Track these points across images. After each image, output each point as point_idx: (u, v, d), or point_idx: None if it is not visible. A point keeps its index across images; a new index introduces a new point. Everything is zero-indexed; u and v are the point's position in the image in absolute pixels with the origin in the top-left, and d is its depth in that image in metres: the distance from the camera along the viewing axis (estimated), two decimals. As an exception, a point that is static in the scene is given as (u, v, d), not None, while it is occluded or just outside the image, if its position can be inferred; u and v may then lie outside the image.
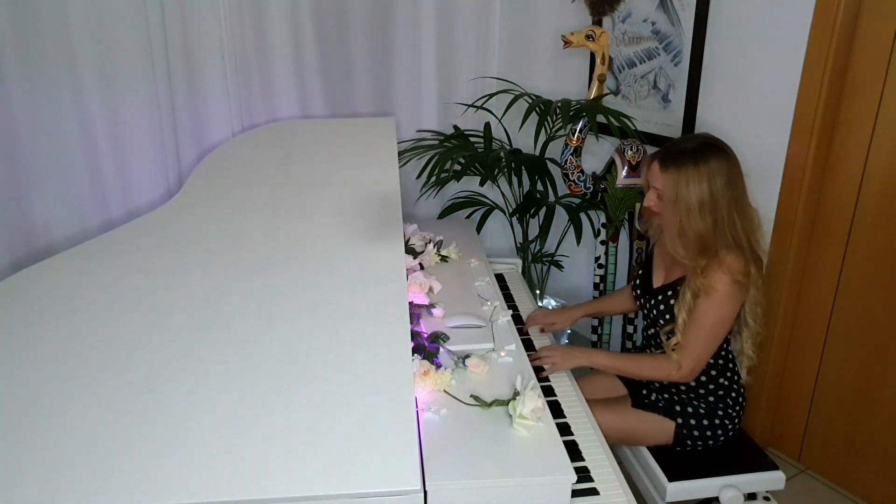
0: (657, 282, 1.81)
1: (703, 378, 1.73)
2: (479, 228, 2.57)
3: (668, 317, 1.72)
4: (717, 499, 1.67)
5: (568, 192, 2.46)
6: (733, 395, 1.75)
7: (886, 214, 1.92)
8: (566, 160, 2.34)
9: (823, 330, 2.15)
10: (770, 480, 1.69)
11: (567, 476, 1.18)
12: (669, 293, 1.73)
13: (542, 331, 1.95)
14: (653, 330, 1.81)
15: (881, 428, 2.04)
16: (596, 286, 2.57)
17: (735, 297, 1.62)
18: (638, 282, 1.88)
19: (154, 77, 2.24)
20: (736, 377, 1.77)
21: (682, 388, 1.75)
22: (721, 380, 1.74)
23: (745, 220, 1.63)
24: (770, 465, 1.71)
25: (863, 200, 1.97)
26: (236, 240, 1.73)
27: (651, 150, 2.39)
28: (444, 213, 2.70)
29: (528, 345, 1.86)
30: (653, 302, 1.78)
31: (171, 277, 1.58)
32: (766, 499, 1.73)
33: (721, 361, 1.74)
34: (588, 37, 2.27)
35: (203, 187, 2.03)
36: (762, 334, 1.74)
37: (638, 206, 2.36)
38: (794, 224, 2.06)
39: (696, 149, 1.61)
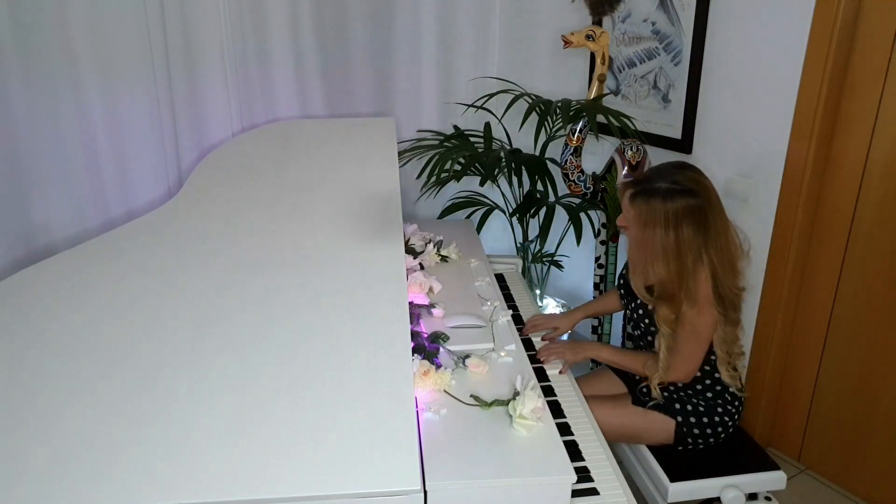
0: None
1: (702, 376, 1.73)
2: (479, 228, 2.57)
3: (647, 319, 1.73)
4: (718, 499, 1.67)
5: (568, 192, 2.46)
6: (732, 390, 1.75)
7: (886, 214, 1.92)
8: (566, 160, 2.34)
9: (823, 330, 2.15)
10: (771, 480, 1.69)
11: (567, 476, 1.18)
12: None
13: (544, 339, 1.94)
14: (638, 331, 1.82)
15: (881, 428, 2.04)
16: (596, 286, 2.57)
17: (708, 323, 1.62)
18: (622, 281, 1.90)
19: (154, 77, 2.24)
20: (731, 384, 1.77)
21: (682, 385, 1.75)
22: (718, 375, 1.74)
23: (720, 259, 1.58)
24: (771, 465, 1.71)
25: (863, 200, 1.97)
26: (236, 240, 1.73)
27: (651, 150, 2.40)
28: (444, 213, 2.70)
29: (528, 345, 1.86)
30: (635, 304, 1.79)
31: (171, 277, 1.58)
32: (768, 499, 1.73)
33: (715, 359, 1.74)
34: (588, 37, 2.27)
35: (203, 187, 2.03)
36: (738, 360, 1.72)
37: None
38: (794, 224, 2.06)
39: (666, 190, 1.56)
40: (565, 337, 2.79)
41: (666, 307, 1.62)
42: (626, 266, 1.91)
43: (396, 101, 2.81)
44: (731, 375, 1.71)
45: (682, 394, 1.75)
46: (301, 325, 1.40)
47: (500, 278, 2.25)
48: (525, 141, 2.52)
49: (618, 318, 2.66)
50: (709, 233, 1.57)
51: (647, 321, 1.74)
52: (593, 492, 1.30)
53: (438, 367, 1.44)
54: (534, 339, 1.92)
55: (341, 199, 1.91)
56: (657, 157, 2.37)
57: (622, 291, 1.89)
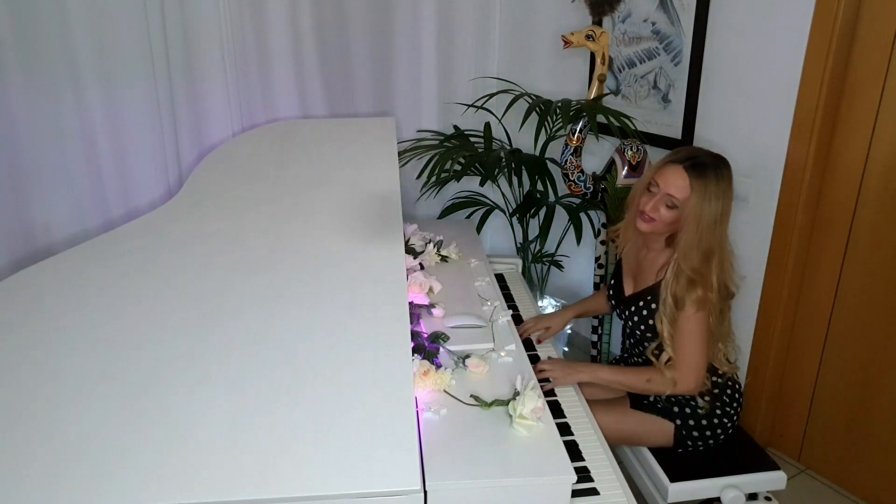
0: (628, 290, 1.81)
1: None
2: (479, 228, 2.57)
3: (643, 327, 1.73)
4: (718, 499, 1.67)
5: (568, 192, 2.46)
6: (729, 391, 1.75)
7: (886, 214, 1.92)
8: (566, 160, 2.34)
9: (823, 330, 2.15)
10: (771, 480, 1.69)
11: (567, 476, 1.18)
12: (641, 303, 1.74)
13: (539, 341, 1.93)
14: (632, 339, 1.81)
15: (881, 428, 2.04)
16: (596, 286, 2.57)
17: (702, 320, 1.63)
18: (611, 292, 1.89)
19: (154, 77, 2.24)
20: (730, 373, 1.77)
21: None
22: (716, 378, 1.74)
23: (726, 240, 1.65)
24: (771, 466, 1.71)
25: (863, 200, 1.97)
26: (236, 240, 1.73)
27: (651, 150, 2.40)
28: (444, 213, 2.70)
29: (528, 345, 1.86)
30: (628, 312, 1.78)
31: (171, 277, 1.58)
32: (768, 499, 1.73)
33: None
34: (588, 37, 2.27)
35: (203, 187, 2.03)
36: (730, 344, 1.76)
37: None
38: (794, 224, 2.06)
39: (715, 163, 1.61)
40: (565, 345, 2.78)
41: (686, 281, 1.60)
42: (614, 275, 1.89)
43: (396, 101, 2.81)
44: (729, 368, 1.72)
45: (681, 397, 1.75)
46: (301, 325, 1.40)
47: (500, 278, 2.25)
48: (525, 141, 2.52)
49: (618, 320, 2.66)
50: (731, 203, 1.63)
51: (642, 327, 1.73)
52: (593, 492, 1.30)
53: (438, 367, 1.44)
54: (534, 340, 1.92)
55: (341, 199, 1.91)
56: (657, 157, 2.36)
57: (612, 302, 1.88)
